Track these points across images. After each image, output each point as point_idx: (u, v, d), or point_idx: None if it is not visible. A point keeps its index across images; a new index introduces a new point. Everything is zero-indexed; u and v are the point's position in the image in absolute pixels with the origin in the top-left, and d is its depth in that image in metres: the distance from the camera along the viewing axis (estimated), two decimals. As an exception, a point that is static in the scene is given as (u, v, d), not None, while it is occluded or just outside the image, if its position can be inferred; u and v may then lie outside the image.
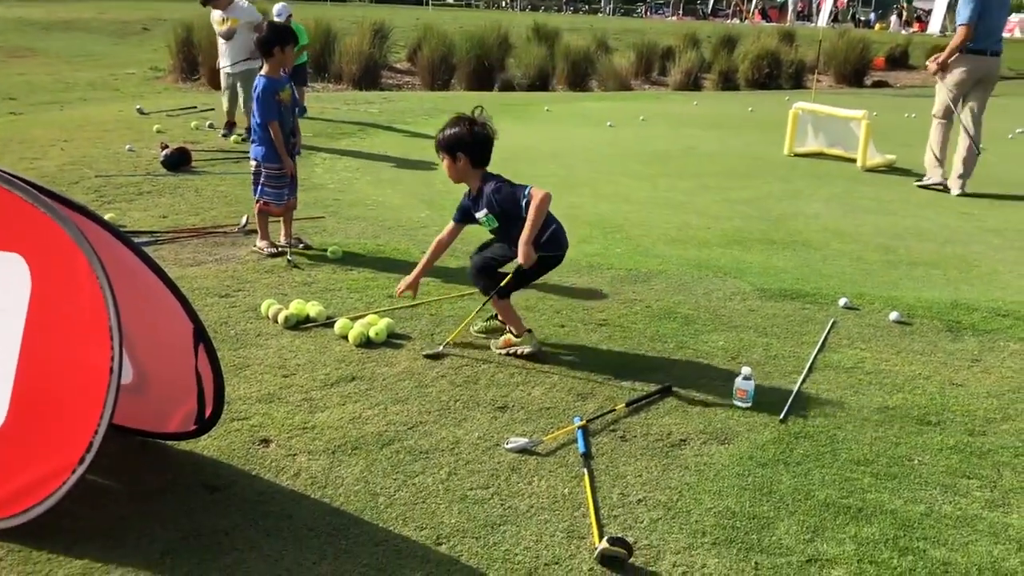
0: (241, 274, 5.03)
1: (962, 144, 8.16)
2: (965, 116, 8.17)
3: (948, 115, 8.28)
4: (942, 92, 8.28)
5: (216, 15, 9.28)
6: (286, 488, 2.86)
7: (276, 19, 10.43)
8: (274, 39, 5.32)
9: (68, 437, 2.47)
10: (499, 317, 4.16)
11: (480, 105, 3.98)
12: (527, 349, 3.96)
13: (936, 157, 8.41)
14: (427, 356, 3.97)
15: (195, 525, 2.61)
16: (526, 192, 3.78)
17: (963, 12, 7.89)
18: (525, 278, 3.95)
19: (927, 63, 8.53)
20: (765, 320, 4.58)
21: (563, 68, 19.78)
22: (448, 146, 3.84)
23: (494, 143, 3.88)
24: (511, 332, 4.01)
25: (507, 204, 3.79)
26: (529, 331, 4.01)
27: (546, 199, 3.73)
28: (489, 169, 3.97)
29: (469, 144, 3.80)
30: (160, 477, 2.89)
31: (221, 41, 9.37)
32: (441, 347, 4.05)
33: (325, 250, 5.45)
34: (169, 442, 3.09)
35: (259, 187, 5.42)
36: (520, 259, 3.71)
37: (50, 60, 19.67)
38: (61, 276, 2.54)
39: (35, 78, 17.11)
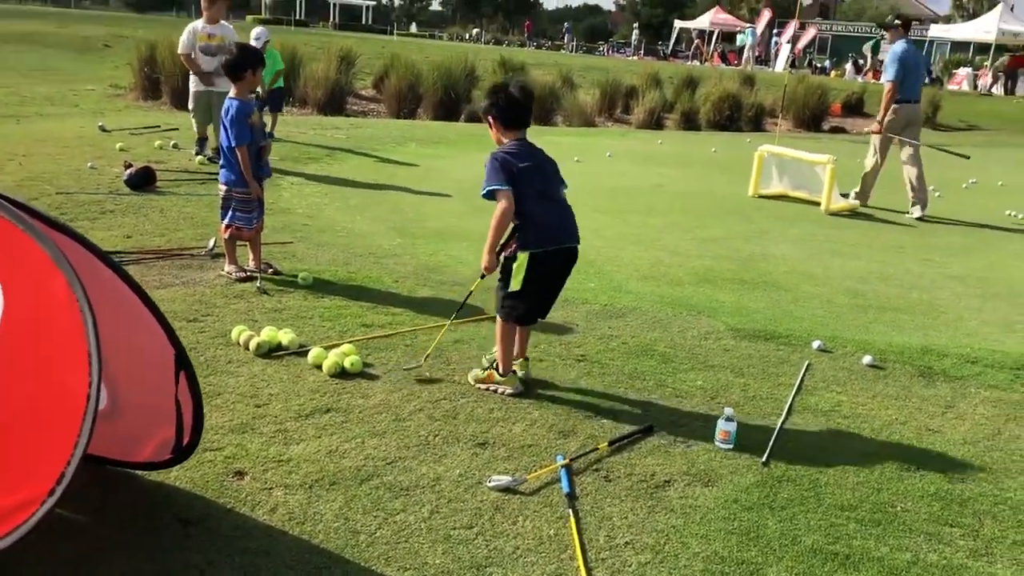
0: (209, 298, 4.91)
1: (911, 177, 9.46)
2: (905, 154, 9.49)
3: (883, 152, 9.64)
4: (878, 140, 9.66)
5: (205, 28, 9.11)
6: (263, 523, 2.75)
7: (254, 42, 10.33)
8: (245, 62, 5.23)
9: (39, 467, 2.34)
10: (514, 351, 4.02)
11: (523, 77, 3.99)
12: (508, 391, 3.88)
13: (914, 186, 9.46)
14: (407, 369, 4.02)
15: (168, 561, 2.50)
16: (486, 189, 3.73)
17: (890, 71, 9.36)
18: (526, 292, 3.79)
19: (868, 130, 10.28)
20: (741, 360, 4.58)
21: (529, 102, 19.88)
22: (483, 114, 3.96)
23: (528, 106, 3.86)
24: (496, 369, 3.94)
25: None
26: (514, 372, 3.93)
27: (500, 215, 3.70)
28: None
29: (495, 107, 3.83)
30: (130, 509, 2.77)
31: (202, 58, 9.14)
32: (420, 361, 4.08)
33: (295, 276, 5.35)
34: (139, 472, 2.97)
35: (229, 212, 5.31)
36: (482, 264, 3.82)
37: (5, 73, 19.23)
38: (37, 297, 2.42)
39: (-10, 90, 16.71)
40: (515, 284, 3.78)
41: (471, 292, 4.26)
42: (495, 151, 3.81)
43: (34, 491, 2.33)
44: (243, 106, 5.18)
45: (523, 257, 3.76)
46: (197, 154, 9.35)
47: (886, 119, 9.47)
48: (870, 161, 9.73)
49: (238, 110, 5.15)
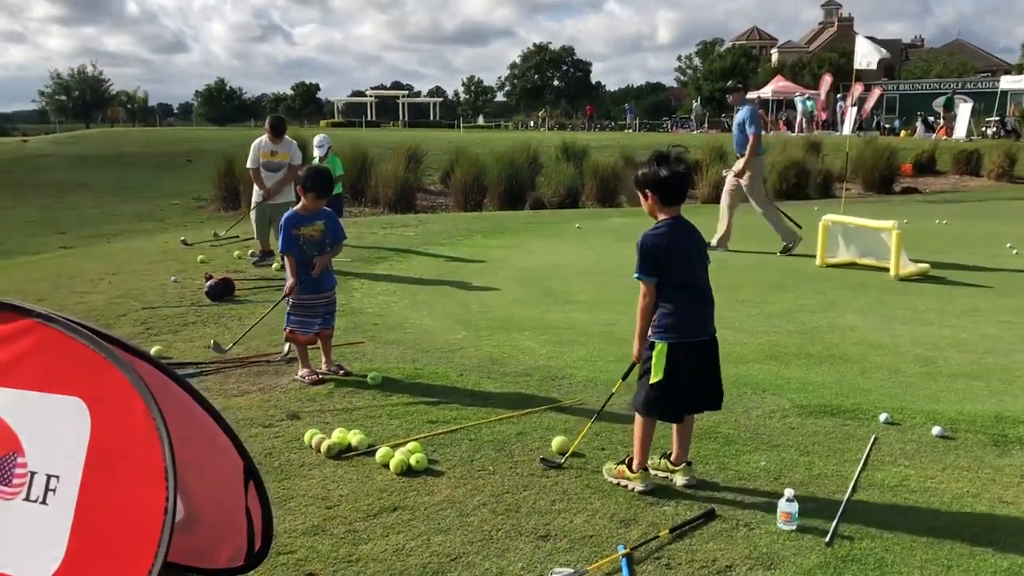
0: (284, 403, 5.13)
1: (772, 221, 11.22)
2: (760, 203, 11.28)
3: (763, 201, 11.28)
4: (746, 188, 11.09)
5: (268, 146, 9.76)
6: (332, 625, 2.86)
7: (317, 150, 10.89)
8: (310, 185, 5.58)
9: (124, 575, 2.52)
10: (672, 456, 4.04)
11: (682, 145, 3.97)
12: (639, 487, 3.89)
13: (726, 224, 11.35)
14: (544, 461, 4.21)
15: (243, 665, 2.62)
16: (636, 275, 3.86)
17: (755, 127, 10.96)
18: (667, 384, 3.77)
19: (732, 176, 11.32)
20: (806, 438, 4.55)
21: (591, 185, 20.23)
22: (639, 184, 3.92)
23: (687, 181, 3.89)
24: (628, 464, 3.95)
25: None
26: (646, 469, 3.91)
27: (643, 307, 3.84)
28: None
29: (655, 183, 3.82)
30: (208, 615, 2.91)
31: (264, 173, 9.80)
32: (562, 460, 4.20)
33: (365, 376, 5.55)
34: (216, 578, 3.12)
35: (287, 315, 5.61)
36: (633, 353, 3.95)
37: (99, 193, 20.55)
38: (119, 418, 2.64)
39: (84, 212, 17.85)
40: (656, 375, 3.79)
41: (613, 393, 4.36)
42: (646, 233, 3.85)
43: (119, 600, 2.50)
44: (292, 217, 5.54)
45: (661, 346, 3.79)
46: (256, 264, 9.81)
47: (753, 170, 11.03)
48: (760, 209, 11.24)
49: (286, 220, 5.52)
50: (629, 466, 3.95)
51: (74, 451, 2.67)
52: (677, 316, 3.78)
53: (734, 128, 11.35)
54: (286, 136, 10.05)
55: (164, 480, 2.51)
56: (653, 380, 3.79)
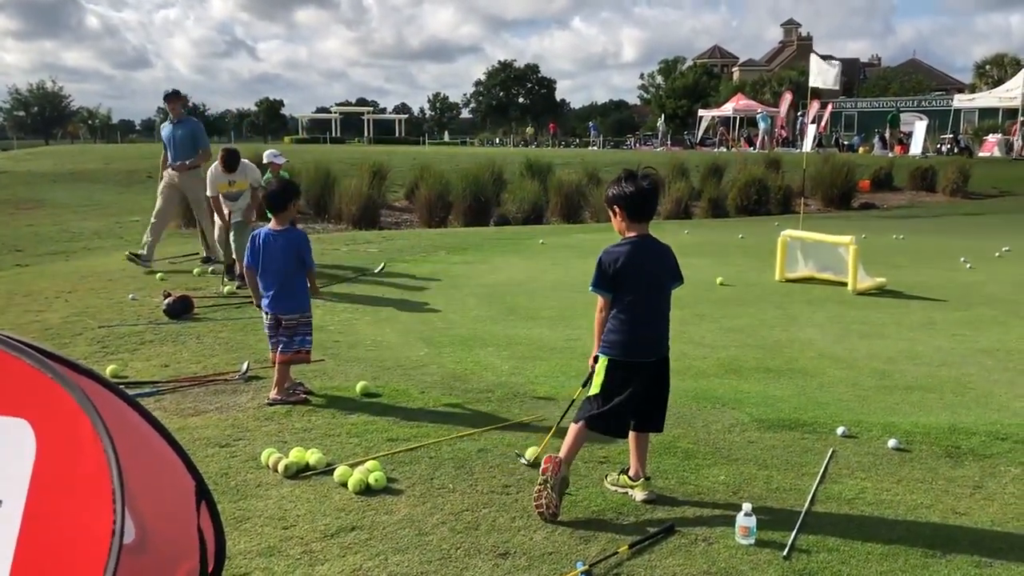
0: (242, 422, 5.06)
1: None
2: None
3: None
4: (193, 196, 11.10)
5: (224, 176, 9.56)
6: (286, 648, 2.82)
7: (277, 160, 10.74)
8: (286, 196, 5.53)
9: (67, 604, 2.45)
10: (630, 471, 4.04)
11: (651, 166, 3.98)
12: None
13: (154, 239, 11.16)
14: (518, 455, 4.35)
15: None
16: (590, 288, 3.90)
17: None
18: (604, 398, 3.83)
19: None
20: (765, 452, 4.58)
21: (556, 201, 20.30)
22: (608, 201, 3.94)
23: (654, 198, 3.90)
24: (627, 474, 4.02)
25: None
26: (558, 471, 3.81)
27: (597, 319, 3.92)
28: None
29: (622, 198, 3.84)
30: (158, 640, 2.84)
31: (225, 203, 9.63)
32: (530, 459, 4.31)
33: (324, 396, 5.50)
34: (168, 602, 3.05)
35: (302, 337, 5.51)
36: (589, 360, 4.01)
37: (57, 210, 20.20)
38: (65, 439, 2.58)
39: (42, 229, 17.52)
40: (593, 388, 3.88)
41: (573, 401, 4.35)
42: (607, 248, 3.88)
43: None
44: (270, 235, 5.46)
45: (603, 361, 3.86)
46: (230, 279, 9.62)
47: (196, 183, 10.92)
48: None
49: (264, 238, 5.43)
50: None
51: (18, 474, 2.61)
52: (623, 334, 3.83)
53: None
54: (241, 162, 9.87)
55: (112, 502, 2.46)
56: (590, 393, 3.90)
